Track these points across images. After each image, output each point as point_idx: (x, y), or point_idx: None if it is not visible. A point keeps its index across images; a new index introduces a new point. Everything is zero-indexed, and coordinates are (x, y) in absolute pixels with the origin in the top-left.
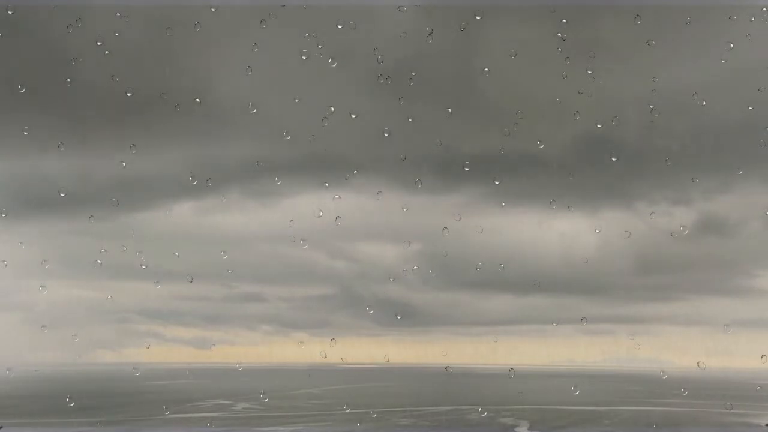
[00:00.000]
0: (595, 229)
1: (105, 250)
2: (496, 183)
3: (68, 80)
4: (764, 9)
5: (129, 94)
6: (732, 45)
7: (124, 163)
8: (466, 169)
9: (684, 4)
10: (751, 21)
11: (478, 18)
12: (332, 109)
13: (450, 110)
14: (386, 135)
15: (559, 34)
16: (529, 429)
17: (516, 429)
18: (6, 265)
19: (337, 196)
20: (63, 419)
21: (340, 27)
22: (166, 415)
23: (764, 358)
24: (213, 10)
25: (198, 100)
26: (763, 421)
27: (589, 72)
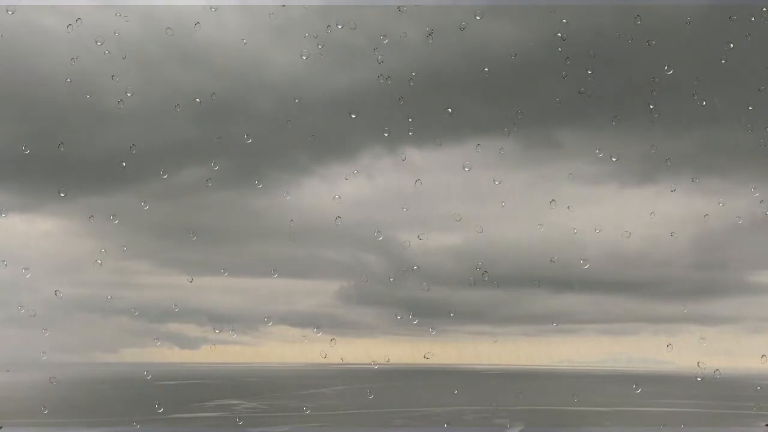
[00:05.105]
0: (595, 229)
1: (105, 250)
2: (496, 183)
3: (68, 80)
4: (764, 9)
5: (129, 95)
6: (732, 45)
7: (124, 163)
8: (466, 169)
9: (684, 4)
10: (751, 21)
11: (478, 18)
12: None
13: (450, 110)
14: (386, 135)
15: (559, 34)
16: (522, 429)
17: (507, 430)
18: (6, 264)
19: (337, 196)
20: (64, 420)
21: (340, 27)
22: (166, 416)
23: (764, 358)
24: (213, 10)
25: (198, 100)
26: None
27: (589, 72)
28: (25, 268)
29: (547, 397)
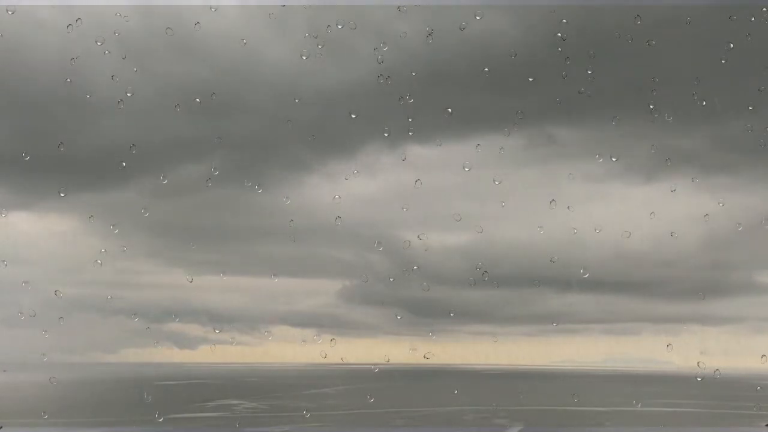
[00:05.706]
0: (595, 229)
1: (105, 250)
2: (496, 183)
3: (68, 80)
4: (764, 9)
5: (129, 94)
6: (732, 45)
7: (124, 163)
8: (466, 169)
9: (684, 4)
10: (751, 21)
11: (478, 18)
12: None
13: (450, 110)
14: (386, 135)
15: (559, 34)
16: (522, 429)
17: (507, 430)
18: (6, 264)
19: (337, 196)
20: (64, 420)
21: (340, 27)
22: (166, 416)
23: (764, 357)
24: (213, 10)
25: (198, 100)
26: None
27: (589, 72)
28: (25, 282)
29: (547, 397)
